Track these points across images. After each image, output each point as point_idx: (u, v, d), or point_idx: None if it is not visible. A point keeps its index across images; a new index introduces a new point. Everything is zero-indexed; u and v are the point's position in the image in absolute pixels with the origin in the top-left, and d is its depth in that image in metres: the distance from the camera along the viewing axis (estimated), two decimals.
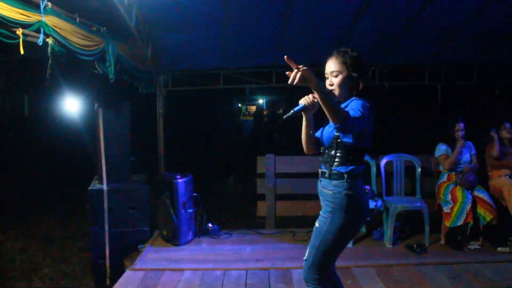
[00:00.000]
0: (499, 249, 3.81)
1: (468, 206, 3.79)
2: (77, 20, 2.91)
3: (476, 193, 3.92)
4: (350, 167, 2.02)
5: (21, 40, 2.25)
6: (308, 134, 2.15)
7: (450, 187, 3.98)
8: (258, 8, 3.82)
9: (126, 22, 3.50)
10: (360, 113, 1.88)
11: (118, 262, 4.01)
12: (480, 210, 3.83)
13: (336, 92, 2.07)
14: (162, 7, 3.61)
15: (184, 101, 10.22)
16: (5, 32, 2.19)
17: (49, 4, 2.46)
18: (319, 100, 1.78)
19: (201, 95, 10.19)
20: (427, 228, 4.00)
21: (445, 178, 4.11)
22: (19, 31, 2.24)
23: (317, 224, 2.09)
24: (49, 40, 2.49)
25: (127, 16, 3.44)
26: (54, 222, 5.86)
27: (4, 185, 7.20)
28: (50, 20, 2.46)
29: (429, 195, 4.34)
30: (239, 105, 20.81)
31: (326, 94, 1.78)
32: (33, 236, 5.29)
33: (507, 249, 3.79)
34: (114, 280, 3.53)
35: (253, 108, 21.07)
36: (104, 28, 3.32)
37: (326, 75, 2.11)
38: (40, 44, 2.41)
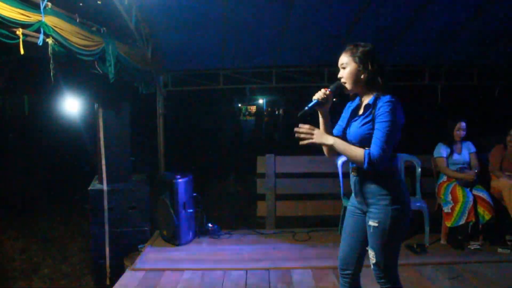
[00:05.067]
0: (500, 250, 3.81)
1: (470, 205, 3.79)
2: (77, 20, 2.91)
3: (475, 192, 3.92)
4: (393, 160, 2.00)
5: (21, 40, 2.24)
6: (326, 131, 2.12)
7: (450, 187, 3.98)
8: (258, 8, 3.82)
9: (126, 22, 3.49)
10: (390, 129, 1.88)
11: (118, 262, 4.01)
12: (480, 209, 3.83)
13: (347, 85, 2.05)
14: (162, 7, 3.61)
15: (184, 101, 10.21)
16: (5, 32, 2.19)
17: (49, 4, 2.46)
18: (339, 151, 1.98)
19: (201, 95, 10.19)
20: (427, 228, 4.00)
21: (445, 178, 4.11)
22: (19, 31, 2.24)
23: (375, 224, 1.96)
24: (49, 40, 2.49)
25: (127, 16, 3.44)
26: (54, 222, 5.86)
27: (4, 185, 7.20)
28: (50, 20, 2.46)
29: (429, 195, 4.33)
30: (239, 105, 20.80)
31: (340, 150, 1.97)
32: (33, 236, 5.30)
33: (508, 251, 3.79)
34: (114, 280, 3.53)
35: (253, 108, 21.09)
36: (104, 28, 3.32)
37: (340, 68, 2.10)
38: (40, 44, 2.41)
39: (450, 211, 3.89)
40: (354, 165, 2.05)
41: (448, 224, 3.90)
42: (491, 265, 3.52)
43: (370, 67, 1.98)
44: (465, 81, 5.13)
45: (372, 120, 1.96)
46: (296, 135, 1.97)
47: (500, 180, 3.98)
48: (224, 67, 5.03)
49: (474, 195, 3.88)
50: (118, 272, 3.78)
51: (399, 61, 4.94)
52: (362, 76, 2.01)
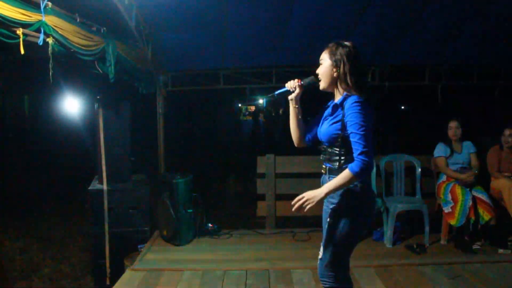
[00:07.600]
0: (500, 250, 3.81)
1: (469, 204, 3.79)
2: (77, 20, 2.91)
3: (475, 193, 3.92)
4: None
5: (21, 40, 2.24)
6: (296, 123, 2.18)
7: (449, 186, 3.98)
8: (258, 8, 3.82)
9: (126, 22, 3.50)
10: (364, 129, 1.86)
11: (118, 262, 4.00)
12: (479, 210, 3.83)
13: (321, 82, 2.08)
14: (162, 7, 3.61)
15: (184, 101, 10.22)
16: (6, 32, 2.19)
17: (50, 4, 2.46)
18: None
19: (201, 95, 10.21)
20: (427, 228, 4.00)
21: (444, 177, 4.11)
22: (19, 31, 2.24)
23: (328, 220, 2.04)
24: (49, 40, 2.49)
25: (127, 16, 3.44)
26: (54, 222, 5.86)
27: (4, 185, 7.20)
28: (50, 20, 2.46)
29: (429, 195, 4.34)
30: (239, 105, 20.81)
31: (335, 188, 1.95)
32: (33, 236, 5.29)
33: (508, 251, 3.79)
34: (114, 280, 3.53)
35: (253, 108, 21.09)
36: (104, 28, 3.32)
37: None
38: (40, 44, 2.41)
39: (450, 210, 3.89)
40: (325, 164, 2.11)
41: (453, 223, 3.88)
42: (492, 265, 3.52)
43: (342, 66, 1.99)
44: (465, 81, 5.13)
45: (341, 121, 1.95)
46: (294, 211, 2.01)
47: (499, 180, 3.98)
48: (224, 67, 5.03)
49: (473, 196, 3.88)
50: (118, 272, 3.78)
51: (399, 61, 4.94)
52: (334, 75, 2.02)
